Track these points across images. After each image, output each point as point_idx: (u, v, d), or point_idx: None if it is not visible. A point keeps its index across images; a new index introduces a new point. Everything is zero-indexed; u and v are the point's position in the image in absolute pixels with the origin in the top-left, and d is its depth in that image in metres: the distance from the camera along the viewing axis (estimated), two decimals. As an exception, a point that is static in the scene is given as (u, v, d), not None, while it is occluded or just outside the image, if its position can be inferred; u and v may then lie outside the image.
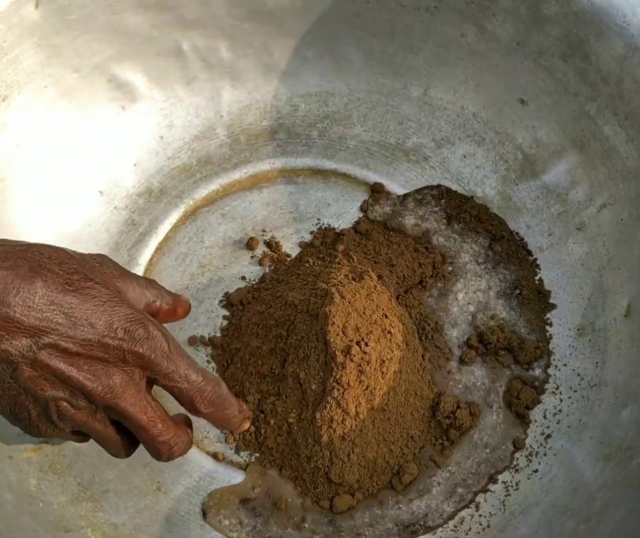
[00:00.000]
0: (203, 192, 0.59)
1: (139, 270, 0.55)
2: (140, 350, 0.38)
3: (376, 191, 0.59)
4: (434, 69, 0.59)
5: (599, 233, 0.54)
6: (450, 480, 0.48)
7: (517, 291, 0.54)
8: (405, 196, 0.58)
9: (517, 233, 0.57)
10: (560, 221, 0.56)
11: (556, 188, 0.56)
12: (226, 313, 0.54)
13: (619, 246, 0.52)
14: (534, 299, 0.54)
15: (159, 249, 0.57)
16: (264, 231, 0.57)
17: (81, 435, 0.41)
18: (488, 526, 0.47)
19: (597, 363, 0.51)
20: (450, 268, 0.55)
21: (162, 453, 0.41)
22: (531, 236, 0.57)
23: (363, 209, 0.58)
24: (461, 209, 0.58)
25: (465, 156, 0.59)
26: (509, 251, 0.56)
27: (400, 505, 0.47)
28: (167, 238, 0.57)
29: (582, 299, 0.53)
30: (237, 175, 0.60)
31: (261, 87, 0.61)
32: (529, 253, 0.56)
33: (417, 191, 0.59)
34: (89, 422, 0.39)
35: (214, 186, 0.59)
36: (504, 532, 0.46)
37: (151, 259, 0.56)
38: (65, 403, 0.38)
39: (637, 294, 0.50)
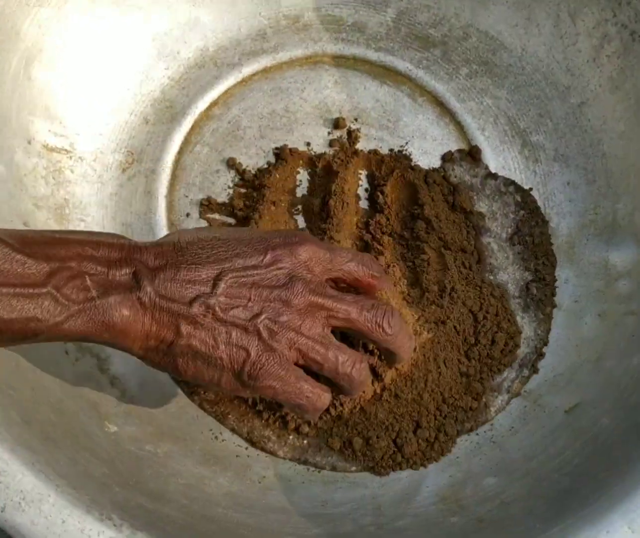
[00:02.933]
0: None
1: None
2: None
3: (471, 154, 0.60)
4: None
5: (610, 325, 0.53)
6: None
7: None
8: (493, 176, 0.59)
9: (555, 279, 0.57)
10: (591, 295, 0.55)
11: (611, 268, 0.55)
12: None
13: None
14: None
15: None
16: (355, 119, 0.61)
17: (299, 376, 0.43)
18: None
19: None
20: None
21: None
22: (564, 290, 0.56)
23: (445, 158, 0.60)
24: (531, 232, 0.57)
25: (569, 183, 0.59)
26: (541, 298, 0.55)
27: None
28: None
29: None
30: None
31: None
32: (554, 305, 0.56)
33: (506, 181, 0.59)
34: (296, 337, 0.42)
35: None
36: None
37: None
38: (268, 320, 0.41)
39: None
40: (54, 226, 0.55)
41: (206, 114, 0.61)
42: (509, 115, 0.61)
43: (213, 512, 0.45)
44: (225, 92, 0.62)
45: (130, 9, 0.60)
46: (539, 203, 0.59)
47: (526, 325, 0.54)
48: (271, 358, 0.41)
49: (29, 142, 0.55)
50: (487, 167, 0.59)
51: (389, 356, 0.47)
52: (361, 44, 0.63)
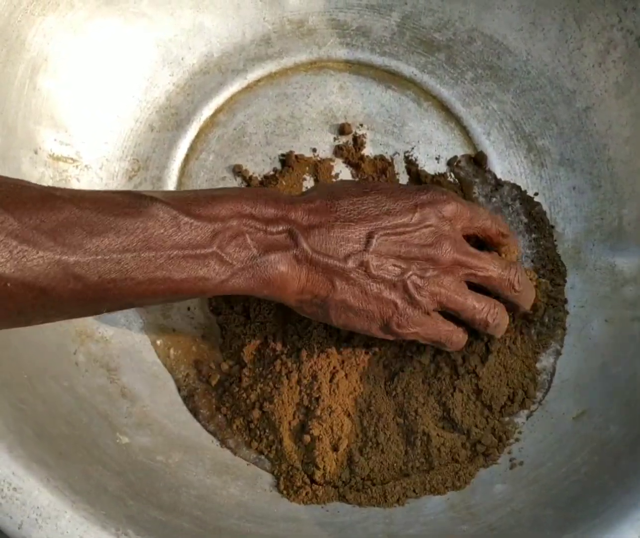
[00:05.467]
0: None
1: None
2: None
3: (476, 160, 0.60)
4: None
5: (616, 331, 0.53)
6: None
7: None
8: (497, 187, 0.59)
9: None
10: (597, 301, 0.55)
11: (618, 274, 0.55)
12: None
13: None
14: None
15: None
16: (361, 125, 0.61)
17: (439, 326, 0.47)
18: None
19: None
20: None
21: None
22: (570, 295, 0.56)
23: (449, 163, 0.60)
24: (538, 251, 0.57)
25: (574, 188, 0.59)
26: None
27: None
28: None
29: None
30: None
31: None
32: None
33: (511, 192, 0.59)
34: (439, 291, 0.45)
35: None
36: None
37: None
38: (415, 276, 0.44)
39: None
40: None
41: (211, 121, 0.61)
42: (515, 119, 0.61)
43: (226, 523, 0.45)
44: (231, 98, 0.62)
45: (135, 16, 0.59)
46: (545, 207, 0.59)
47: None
48: (416, 310, 0.45)
49: (35, 152, 0.55)
50: (493, 176, 0.59)
51: (515, 307, 0.50)
52: (366, 48, 0.63)
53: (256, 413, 0.50)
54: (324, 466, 0.48)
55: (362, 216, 0.44)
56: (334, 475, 0.49)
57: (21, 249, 0.35)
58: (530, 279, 0.52)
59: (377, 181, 0.50)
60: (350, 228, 0.44)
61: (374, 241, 0.44)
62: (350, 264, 0.43)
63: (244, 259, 0.41)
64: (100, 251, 0.37)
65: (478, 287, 0.48)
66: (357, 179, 0.49)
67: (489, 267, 0.47)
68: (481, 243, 0.51)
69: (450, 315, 0.48)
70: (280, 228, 0.43)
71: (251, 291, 0.42)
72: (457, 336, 0.48)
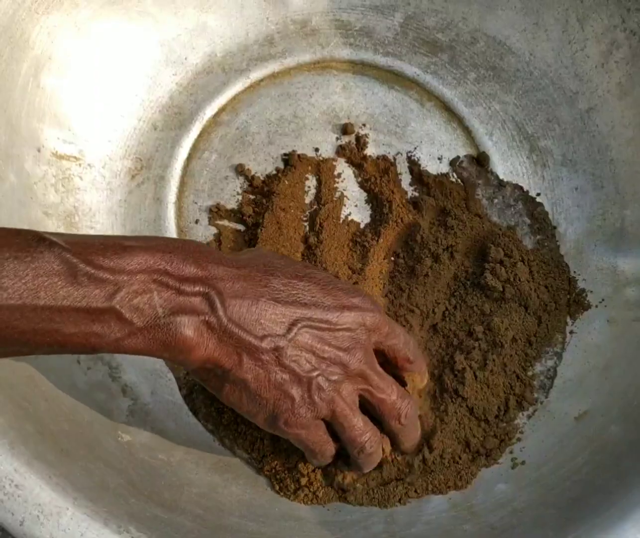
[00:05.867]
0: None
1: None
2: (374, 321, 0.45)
3: (479, 161, 0.60)
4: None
5: (618, 331, 0.53)
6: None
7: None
8: (500, 187, 0.59)
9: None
10: (599, 301, 0.55)
11: (620, 275, 0.55)
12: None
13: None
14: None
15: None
16: (364, 124, 0.61)
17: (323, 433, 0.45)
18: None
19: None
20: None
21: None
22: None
23: (451, 163, 0.60)
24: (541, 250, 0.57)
25: (576, 189, 0.59)
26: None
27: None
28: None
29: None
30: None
31: None
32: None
33: (514, 192, 0.59)
34: (336, 399, 0.43)
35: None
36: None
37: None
38: (322, 378, 0.43)
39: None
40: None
41: (214, 120, 0.61)
42: (517, 120, 0.61)
43: (227, 521, 0.45)
44: (234, 98, 0.62)
45: (138, 15, 0.59)
46: (547, 208, 0.59)
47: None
48: (309, 411, 0.43)
49: (39, 150, 0.55)
50: (495, 176, 0.60)
51: (395, 439, 0.48)
52: (369, 48, 0.63)
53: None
54: (308, 473, 0.48)
55: (290, 300, 0.43)
56: (319, 484, 0.49)
57: None
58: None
59: (313, 268, 0.48)
60: (276, 309, 0.42)
61: (295, 329, 0.42)
62: (265, 344, 0.41)
63: (146, 318, 0.38)
64: None
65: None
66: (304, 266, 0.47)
67: (386, 391, 0.46)
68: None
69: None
70: (197, 289, 0.39)
71: (150, 353, 0.39)
72: (329, 451, 0.46)
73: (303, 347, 0.42)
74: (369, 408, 0.47)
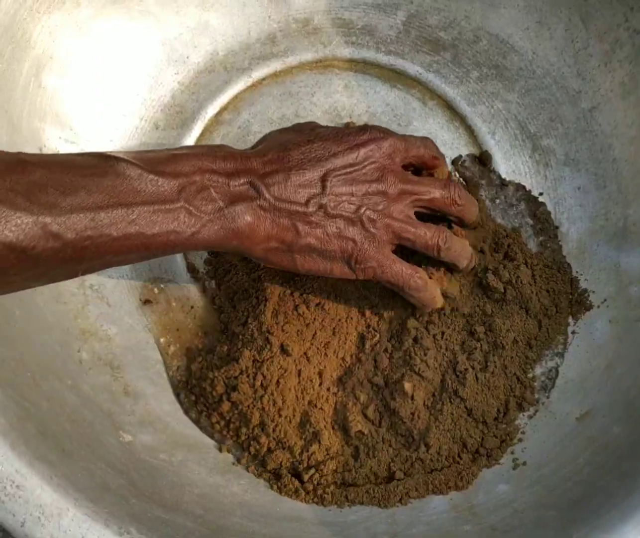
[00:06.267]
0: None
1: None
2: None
3: (481, 160, 0.60)
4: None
5: (621, 331, 0.53)
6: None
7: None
8: (502, 187, 0.59)
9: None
10: (601, 301, 0.55)
11: (622, 274, 0.55)
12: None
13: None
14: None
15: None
16: (366, 123, 0.59)
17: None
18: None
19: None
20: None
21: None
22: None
23: (454, 163, 0.59)
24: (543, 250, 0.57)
25: (579, 188, 0.59)
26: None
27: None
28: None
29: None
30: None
31: None
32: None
33: (516, 192, 0.59)
34: (390, 222, 0.48)
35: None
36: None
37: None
38: (369, 211, 0.48)
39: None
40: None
41: (216, 119, 0.61)
42: (520, 119, 0.61)
43: (228, 521, 0.45)
44: (235, 96, 0.62)
45: (140, 14, 0.59)
46: (549, 208, 0.59)
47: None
48: (372, 243, 0.48)
49: (40, 150, 0.55)
50: (497, 175, 0.59)
51: (461, 222, 0.54)
52: (371, 47, 0.63)
53: (226, 406, 0.50)
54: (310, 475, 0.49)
55: (313, 162, 0.47)
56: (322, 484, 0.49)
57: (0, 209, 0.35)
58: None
59: (317, 125, 0.52)
60: (305, 175, 0.46)
61: (328, 183, 0.47)
62: (311, 208, 0.46)
63: (211, 211, 0.43)
64: (74, 209, 0.38)
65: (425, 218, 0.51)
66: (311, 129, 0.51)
67: (431, 189, 0.50)
68: (417, 170, 0.54)
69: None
70: (242, 181, 0.44)
71: (221, 243, 0.44)
72: (415, 281, 0.49)
73: (342, 194, 0.47)
74: (428, 212, 0.52)
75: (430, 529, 0.46)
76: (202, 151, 0.45)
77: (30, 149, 0.54)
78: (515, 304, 0.53)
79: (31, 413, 0.43)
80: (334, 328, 0.52)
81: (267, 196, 0.45)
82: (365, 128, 0.50)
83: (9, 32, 0.52)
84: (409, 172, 0.52)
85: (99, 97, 0.58)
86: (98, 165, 0.40)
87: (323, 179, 0.47)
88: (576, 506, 0.44)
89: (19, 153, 0.39)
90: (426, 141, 0.53)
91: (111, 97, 0.59)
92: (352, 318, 0.52)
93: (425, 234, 0.49)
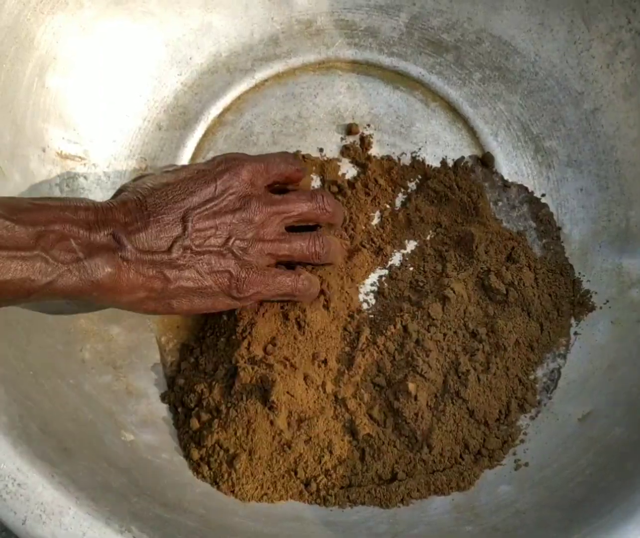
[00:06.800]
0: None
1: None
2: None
3: (484, 161, 0.60)
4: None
5: (623, 332, 0.53)
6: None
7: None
8: (505, 188, 0.59)
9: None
10: (603, 302, 0.55)
11: (624, 276, 0.55)
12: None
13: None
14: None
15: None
16: (368, 125, 0.61)
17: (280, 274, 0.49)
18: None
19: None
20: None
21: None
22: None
23: (456, 164, 0.59)
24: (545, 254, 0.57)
25: (582, 190, 0.59)
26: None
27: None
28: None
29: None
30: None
31: None
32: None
33: (518, 194, 0.59)
34: (262, 246, 0.49)
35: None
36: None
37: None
38: (238, 240, 0.47)
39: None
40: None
41: (219, 120, 0.61)
42: (522, 120, 0.61)
43: (230, 521, 0.45)
44: (238, 98, 0.62)
45: (143, 15, 0.60)
46: (552, 209, 0.59)
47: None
48: (250, 270, 0.47)
49: (44, 150, 0.55)
50: (500, 177, 0.59)
51: (332, 226, 0.54)
52: (374, 49, 0.63)
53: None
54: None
55: (171, 204, 0.46)
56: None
57: None
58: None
59: (178, 166, 0.51)
60: (164, 219, 0.45)
61: (189, 223, 0.46)
62: (175, 252, 0.45)
63: (70, 261, 0.41)
64: None
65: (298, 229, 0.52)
66: (164, 171, 0.50)
67: (298, 204, 0.51)
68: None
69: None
70: (104, 232, 0.43)
71: (80, 293, 0.42)
72: (302, 283, 0.50)
73: (205, 229, 0.46)
74: (301, 226, 0.52)
75: (431, 529, 0.46)
76: (63, 202, 0.43)
77: (34, 149, 0.54)
78: (517, 307, 0.53)
79: (33, 412, 0.43)
80: (316, 336, 0.52)
81: (129, 247, 0.44)
82: (220, 159, 0.50)
83: (13, 32, 0.52)
84: (272, 194, 0.51)
85: (102, 97, 0.58)
86: None
87: (183, 220, 0.46)
88: (578, 506, 0.44)
89: None
90: (286, 156, 0.53)
91: (114, 98, 0.59)
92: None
93: (302, 246, 0.50)
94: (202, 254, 0.46)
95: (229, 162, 0.49)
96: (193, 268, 0.46)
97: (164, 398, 0.52)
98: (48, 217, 0.41)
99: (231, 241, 0.47)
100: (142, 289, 0.44)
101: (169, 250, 0.45)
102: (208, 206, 0.47)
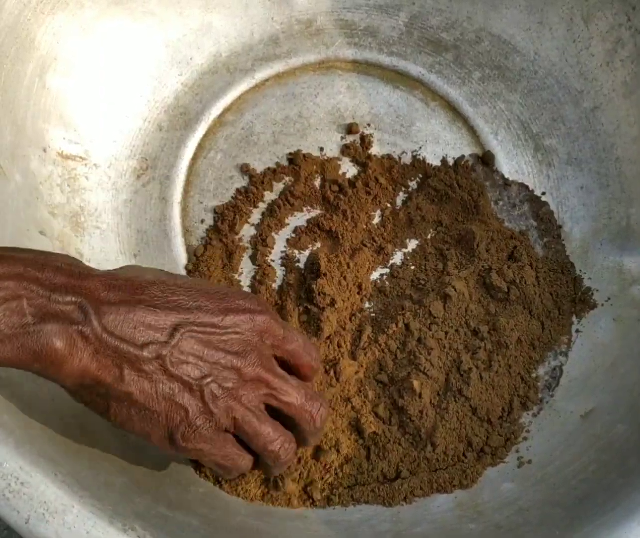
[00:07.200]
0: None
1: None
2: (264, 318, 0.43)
3: (484, 160, 0.60)
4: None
5: (624, 329, 0.53)
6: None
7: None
8: (505, 186, 0.59)
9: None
10: (605, 300, 0.55)
11: (625, 273, 0.55)
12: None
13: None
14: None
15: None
16: (369, 124, 0.61)
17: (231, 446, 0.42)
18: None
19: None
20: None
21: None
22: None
23: (457, 163, 0.60)
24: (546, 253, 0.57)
25: (582, 188, 0.59)
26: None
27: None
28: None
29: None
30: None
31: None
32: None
33: (519, 193, 0.59)
34: (235, 407, 0.41)
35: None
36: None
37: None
38: (215, 384, 0.40)
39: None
40: (70, 233, 0.55)
41: (219, 120, 0.61)
42: (522, 119, 0.61)
43: (233, 520, 0.45)
44: (239, 97, 0.62)
45: (143, 15, 0.60)
46: (552, 207, 0.59)
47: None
48: (207, 422, 0.40)
49: (44, 151, 0.55)
50: (500, 175, 0.59)
51: (302, 440, 0.45)
52: (374, 48, 0.64)
53: None
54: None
55: (171, 306, 0.40)
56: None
57: None
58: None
59: (197, 278, 0.47)
60: (155, 315, 0.39)
61: (177, 334, 0.39)
62: (147, 353, 0.38)
63: (15, 325, 0.36)
64: None
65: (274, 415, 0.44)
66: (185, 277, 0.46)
67: (293, 393, 0.43)
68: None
69: None
70: (68, 299, 0.37)
71: (20, 364, 0.36)
72: (244, 462, 0.43)
73: (189, 353, 0.40)
74: (279, 415, 0.44)
75: (434, 527, 0.46)
76: (34, 256, 0.38)
77: (35, 149, 0.54)
78: (518, 305, 0.53)
79: (36, 411, 0.43)
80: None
81: (94, 323, 0.37)
82: (247, 295, 0.44)
83: (14, 33, 0.52)
84: (276, 364, 0.44)
85: (103, 98, 0.58)
86: None
87: (174, 328, 0.39)
88: (581, 503, 0.44)
89: None
90: (309, 345, 0.46)
91: (115, 98, 0.59)
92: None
93: (268, 436, 0.42)
94: (170, 375, 0.39)
95: (252, 302, 0.43)
96: (153, 383, 0.39)
97: None
98: (6, 271, 0.36)
99: (207, 379, 0.40)
100: (91, 377, 0.38)
101: (141, 347, 0.38)
102: (207, 329, 0.41)
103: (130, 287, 0.39)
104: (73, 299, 0.37)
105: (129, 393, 0.38)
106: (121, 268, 0.43)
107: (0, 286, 0.36)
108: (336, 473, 0.48)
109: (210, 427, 0.40)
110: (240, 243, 0.56)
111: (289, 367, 0.45)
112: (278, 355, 0.44)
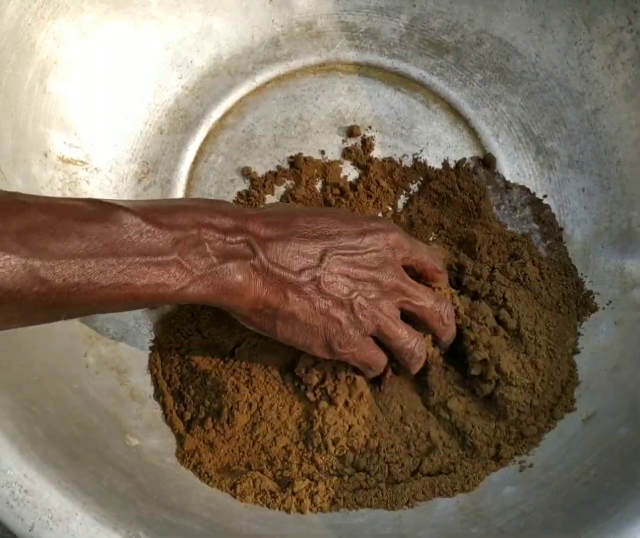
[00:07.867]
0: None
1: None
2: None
3: (485, 162, 0.60)
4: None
5: (626, 333, 0.53)
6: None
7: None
8: (507, 190, 0.59)
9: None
10: (606, 303, 0.55)
11: (627, 276, 0.55)
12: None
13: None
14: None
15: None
16: (370, 127, 0.61)
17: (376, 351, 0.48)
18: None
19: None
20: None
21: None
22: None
23: (458, 166, 0.60)
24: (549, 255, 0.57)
25: (583, 190, 0.59)
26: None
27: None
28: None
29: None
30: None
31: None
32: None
33: (520, 197, 0.59)
34: (378, 314, 0.47)
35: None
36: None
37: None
38: (361, 297, 0.46)
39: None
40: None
41: (220, 123, 0.61)
42: (523, 121, 0.61)
43: (235, 525, 0.45)
44: (239, 100, 0.62)
45: (143, 19, 0.59)
46: (554, 210, 0.59)
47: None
48: (357, 330, 0.46)
49: (45, 155, 0.55)
50: (502, 178, 0.59)
51: (436, 340, 0.51)
52: (374, 50, 0.63)
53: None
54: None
55: (317, 234, 0.46)
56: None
57: None
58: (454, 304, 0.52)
59: (329, 207, 0.52)
60: (306, 244, 0.46)
61: (327, 258, 0.46)
62: (304, 278, 0.45)
63: (204, 267, 0.42)
64: (65, 255, 0.37)
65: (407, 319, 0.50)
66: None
67: (423, 297, 0.49)
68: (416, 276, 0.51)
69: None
70: (239, 238, 0.44)
71: (209, 299, 0.43)
72: (382, 361, 0.49)
73: (338, 273, 0.46)
74: (411, 317, 0.50)
75: (437, 532, 0.46)
76: (203, 204, 0.45)
77: (36, 154, 0.54)
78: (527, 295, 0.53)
79: (39, 417, 0.43)
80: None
81: (261, 257, 0.44)
82: (375, 217, 0.50)
83: (14, 37, 0.52)
84: (407, 274, 0.50)
85: (103, 101, 0.58)
86: (95, 211, 0.40)
87: (323, 253, 0.46)
88: (583, 507, 0.44)
89: (16, 193, 0.38)
90: (433, 251, 0.53)
91: (115, 102, 0.59)
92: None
93: (405, 338, 0.48)
94: (325, 294, 0.46)
95: (382, 224, 0.49)
96: (311, 302, 0.45)
97: None
98: (186, 221, 0.42)
99: (355, 294, 0.46)
100: (262, 302, 0.45)
101: (299, 273, 0.45)
102: (350, 252, 0.47)
103: (282, 223, 0.46)
104: (242, 238, 0.44)
105: (292, 313, 0.45)
106: (266, 205, 0.51)
107: (187, 234, 0.42)
108: (341, 477, 0.48)
109: (359, 334, 0.47)
110: None
111: (416, 274, 0.51)
112: (407, 264, 0.50)
